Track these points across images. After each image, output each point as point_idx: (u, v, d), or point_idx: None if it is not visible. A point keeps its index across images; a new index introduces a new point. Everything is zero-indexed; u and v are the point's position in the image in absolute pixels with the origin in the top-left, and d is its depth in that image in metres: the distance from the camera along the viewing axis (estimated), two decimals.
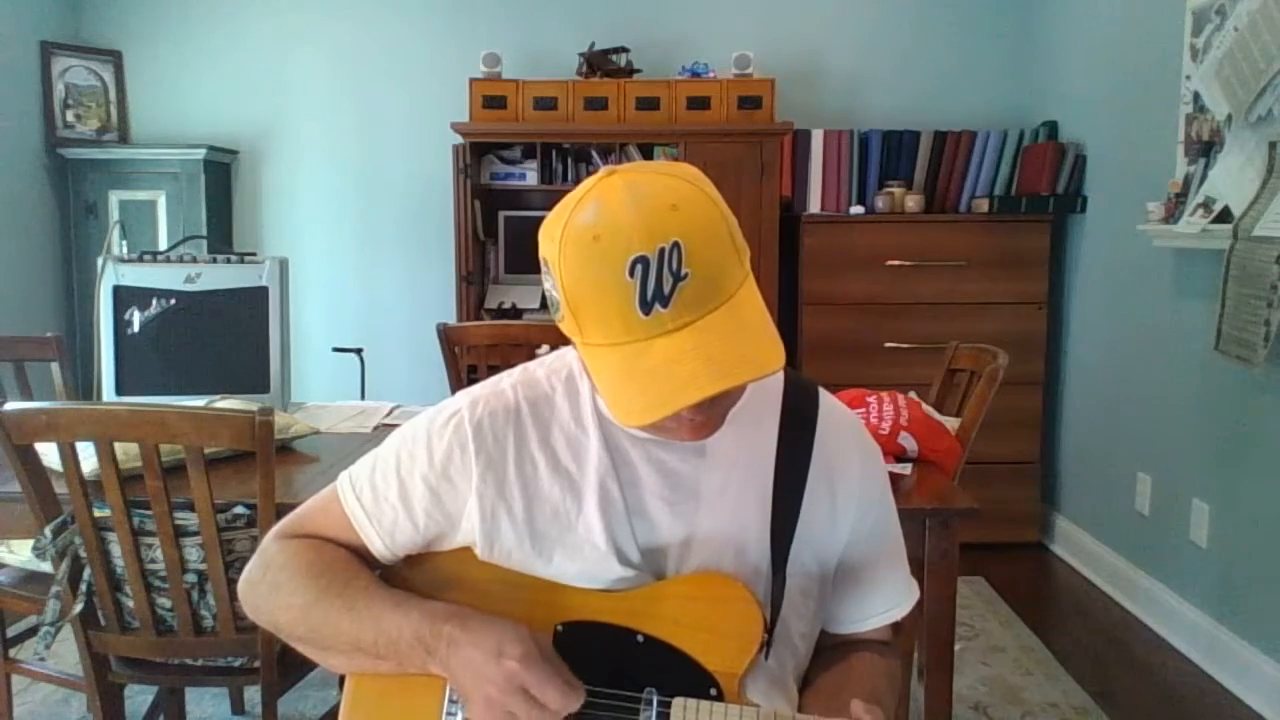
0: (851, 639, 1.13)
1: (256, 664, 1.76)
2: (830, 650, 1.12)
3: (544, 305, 3.90)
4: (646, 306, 0.83)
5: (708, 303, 0.85)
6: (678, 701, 0.94)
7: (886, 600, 1.11)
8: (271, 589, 1.04)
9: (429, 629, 0.94)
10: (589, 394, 1.03)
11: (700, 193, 0.88)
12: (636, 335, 0.85)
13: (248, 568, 1.07)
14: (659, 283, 0.83)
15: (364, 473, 1.07)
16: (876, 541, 1.09)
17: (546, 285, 0.91)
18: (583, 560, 1.00)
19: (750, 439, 1.02)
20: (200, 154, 4.06)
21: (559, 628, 0.99)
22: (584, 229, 0.85)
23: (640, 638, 0.98)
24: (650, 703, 0.95)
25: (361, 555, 1.06)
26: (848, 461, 1.07)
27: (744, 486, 1.02)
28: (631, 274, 0.83)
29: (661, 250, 0.83)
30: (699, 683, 0.96)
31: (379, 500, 1.04)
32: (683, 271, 0.83)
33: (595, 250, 0.84)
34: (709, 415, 0.92)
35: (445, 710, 1.00)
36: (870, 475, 1.09)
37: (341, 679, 1.08)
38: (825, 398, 1.09)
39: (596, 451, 1.01)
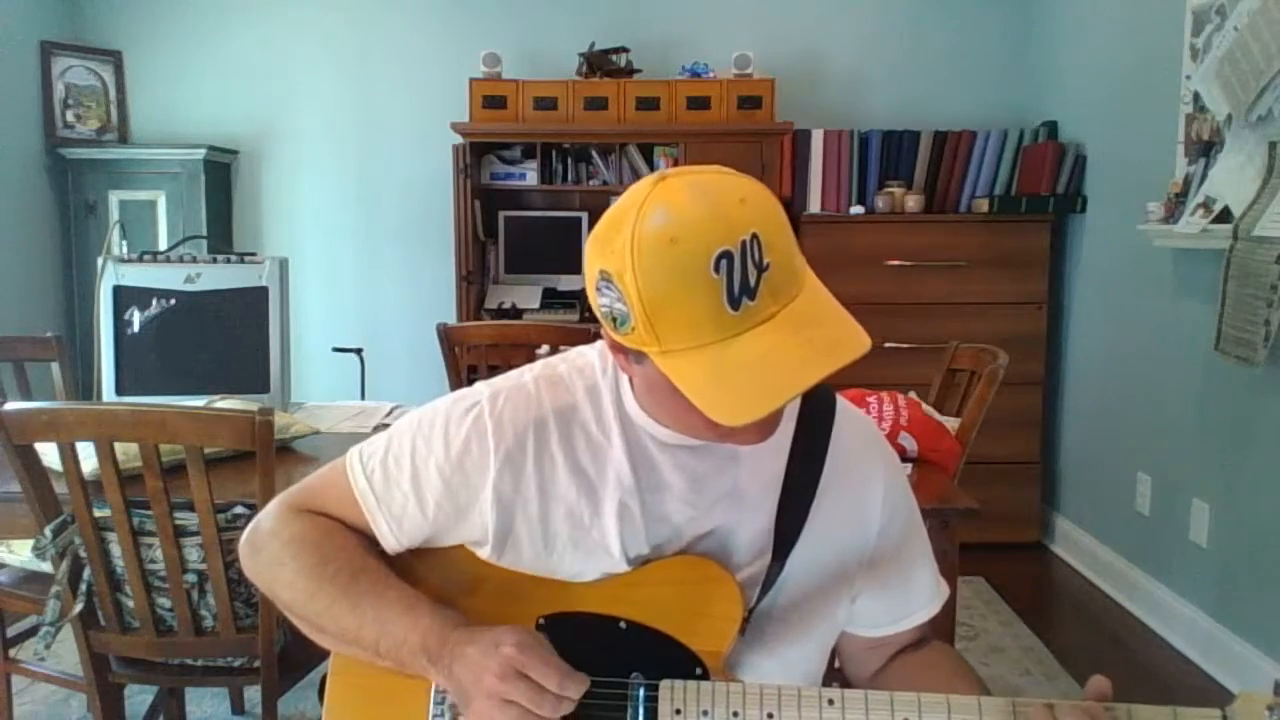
0: (898, 642, 1.13)
1: (256, 664, 1.76)
2: (894, 659, 1.13)
3: (543, 306, 3.89)
4: (735, 301, 0.82)
5: (788, 290, 0.85)
6: (664, 683, 0.94)
7: (919, 599, 1.12)
8: (274, 562, 1.02)
9: (436, 639, 0.93)
10: (611, 397, 1.02)
11: (758, 185, 0.88)
12: (726, 332, 0.83)
13: (250, 527, 1.05)
14: (745, 275, 0.82)
15: (376, 453, 1.04)
16: (905, 544, 1.10)
17: (605, 300, 0.87)
18: (595, 561, 1.00)
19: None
20: (200, 154, 4.06)
21: (540, 621, 0.99)
22: (658, 233, 0.83)
23: (622, 624, 0.98)
24: (638, 687, 0.95)
25: (370, 539, 1.04)
26: (871, 468, 1.07)
27: (761, 478, 1.02)
28: (717, 270, 0.82)
29: (743, 243, 0.82)
30: (683, 663, 0.96)
31: (390, 484, 1.02)
32: (765, 262, 0.83)
33: (675, 252, 0.82)
34: (779, 411, 0.92)
35: (431, 714, 1.00)
36: (893, 481, 1.09)
37: (321, 686, 1.07)
38: (843, 402, 1.09)
39: (619, 457, 1.00)
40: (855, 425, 1.09)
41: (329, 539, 1.02)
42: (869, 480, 1.06)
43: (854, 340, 0.86)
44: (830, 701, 0.91)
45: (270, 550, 1.03)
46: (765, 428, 0.93)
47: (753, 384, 0.83)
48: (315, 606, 0.99)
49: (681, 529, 1.01)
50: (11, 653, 2.24)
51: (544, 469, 1.00)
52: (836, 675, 1.88)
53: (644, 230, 0.84)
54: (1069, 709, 0.88)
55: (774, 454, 1.02)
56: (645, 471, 1.00)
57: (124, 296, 2.30)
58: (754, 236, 0.83)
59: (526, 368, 1.07)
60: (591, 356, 1.05)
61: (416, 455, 1.02)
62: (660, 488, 1.00)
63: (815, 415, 1.05)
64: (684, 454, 1.00)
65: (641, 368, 0.91)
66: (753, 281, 0.83)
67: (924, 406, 2.14)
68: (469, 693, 0.91)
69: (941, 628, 1.86)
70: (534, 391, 1.03)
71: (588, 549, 1.00)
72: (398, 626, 0.95)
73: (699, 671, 0.96)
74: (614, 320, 0.88)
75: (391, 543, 1.04)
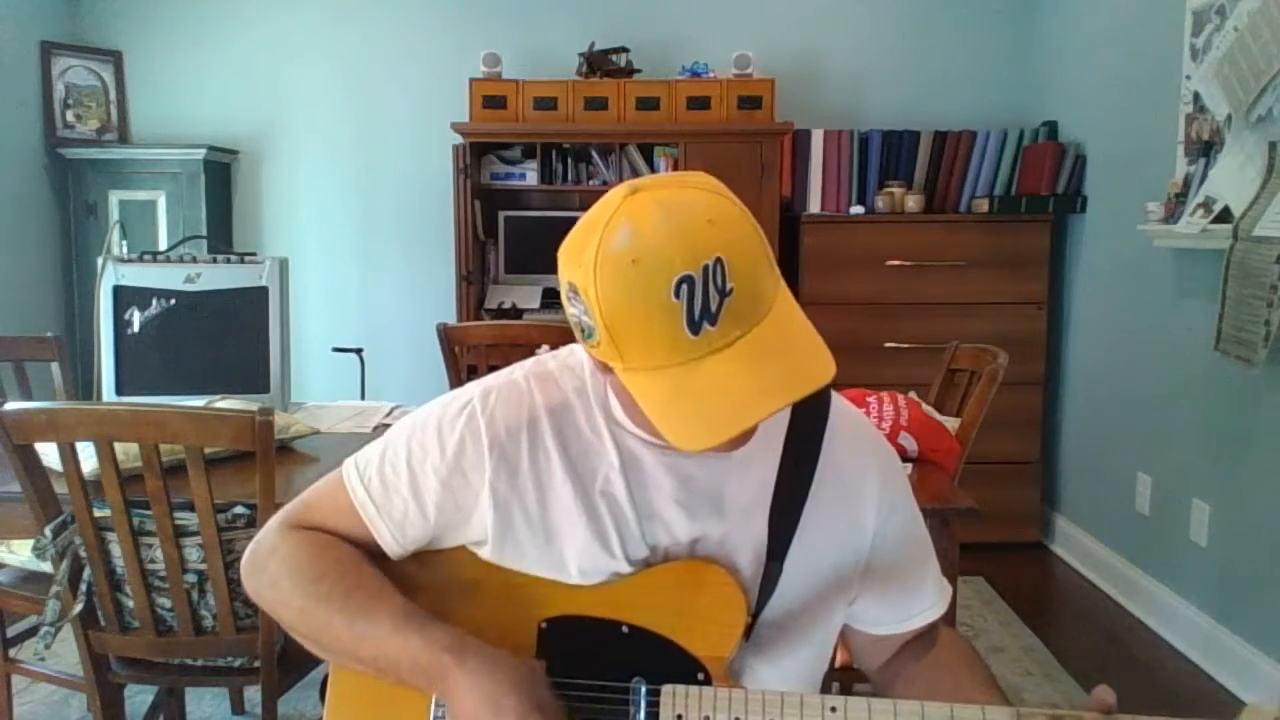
0: (906, 636, 1.14)
1: (256, 664, 1.76)
2: (904, 650, 1.13)
3: (543, 306, 3.90)
4: (695, 326, 0.82)
5: (753, 315, 0.84)
6: (666, 689, 0.94)
7: (922, 602, 1.11)
8: (272, 583, 1.02)
9: (428, 659, 0.93)
10: (598, 398, 1.02)
11: (730, 203, 0.86)
12: (685, 356, 0.83)
13: (251, 548, 1.05)
14: (705, 300, 0.81)
15: (373, 462, 1.04)
16: (905, 546, 1.09)
17: (574, 311, 0.88)
18: (596, 560, 0.99)
19: (762, 436, 1.01)
20: (200, 154, 4.06)
21: (543, 624, 0.99)
22: (619, 253, 0.83)
23: (625, 628, 0.98)
24: (639, 692, 0.95)
25: (368, 549, 1.04)
26: (866, 468, 1.06)
27: (754, 482, 1.02)
28: (677, 294, 0.81)
29: (706, 267, 0.81)
30: (686, 669, 0.96)
31: (389, 492, 1.02)
32: (728, 287, 0.82)
33: (635, 274, 0.82)
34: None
35: (433, 715, 0.99)
36: (890, 481, 1.08)
37: (323, 688, 1.07)
38: (839, 401, 1.09)
39: (610, 455, 1.00)
40: (850, 425, 1.08)
41: (324, 554, 1.02)
42: (864, 480, 1.06)
43: (814, 371, 0.84)
44: (832, 709, 0.91)
45: (269, 570, 1.03)
46: (734, 441, 0.92)
47: (708, 411, 0.83)
48: (313, 625, 0.99)
49: (675, 529, 1.00)
50: (11, 653, 2.24)
51: (539, 465, 1.00)
52: (838, 675, 1.88)
53: (608, 248, 0.84)
54: None
55: (767, 454, 1.02)
56: (635, 471, 1.00)
57: (124, 296, 2.30)
58: (718, 261, 0.82)
59: (517, 365, 1.07)
60: (582, 355, 1.05)
61: (413, 459, 1.02)
62: (650, 487, 1.00)
63: (809, 415, 1.04)
64: (672, 454, 1.00)
65: (611, 377, 0.92)
66: (714, 307, 0.82)
67: (924, 406, 2.14)
68: None
69: None
70: (526, 388, 1.03)
71: (588, 546, 0.99)
72: (390, 646, 0.95)
73: (701, 677, 0.96)
74: (583, 332, 0.88)
75: (395, 549, 1.03)
